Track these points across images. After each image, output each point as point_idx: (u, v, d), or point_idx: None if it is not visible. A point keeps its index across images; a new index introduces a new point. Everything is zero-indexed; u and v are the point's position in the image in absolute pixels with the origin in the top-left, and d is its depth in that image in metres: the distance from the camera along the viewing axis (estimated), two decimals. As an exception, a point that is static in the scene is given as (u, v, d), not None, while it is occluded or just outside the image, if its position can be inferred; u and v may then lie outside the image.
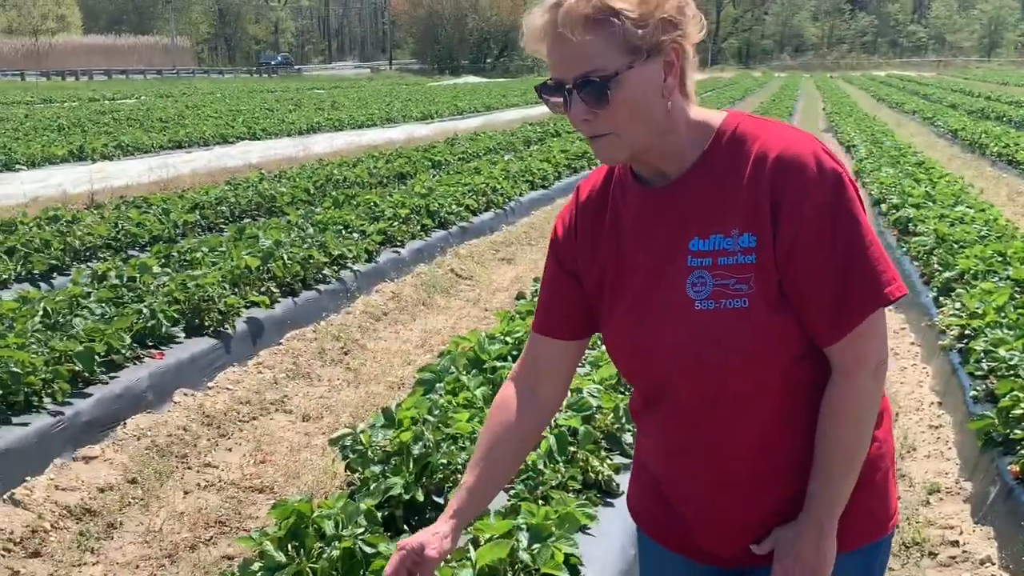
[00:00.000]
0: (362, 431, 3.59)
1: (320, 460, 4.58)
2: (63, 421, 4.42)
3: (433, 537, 1.63)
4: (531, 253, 9.65)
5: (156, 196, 10.17)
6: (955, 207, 8.73)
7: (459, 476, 2.93)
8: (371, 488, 3.16)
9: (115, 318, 5.25)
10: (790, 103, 31.42)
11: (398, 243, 8.61)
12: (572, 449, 3.44)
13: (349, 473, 3.70)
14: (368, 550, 2.64)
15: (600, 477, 3.41)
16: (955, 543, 3.73)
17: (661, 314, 1.56)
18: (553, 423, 3.51)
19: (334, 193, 10.65)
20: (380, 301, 7.41)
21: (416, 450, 3.28)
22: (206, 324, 5.75)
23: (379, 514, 2.95)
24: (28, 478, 4.11)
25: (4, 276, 6.84)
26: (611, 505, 3.34)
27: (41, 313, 5.22)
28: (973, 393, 4.64)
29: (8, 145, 16.46)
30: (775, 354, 1.51)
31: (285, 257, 6.82)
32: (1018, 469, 3.72)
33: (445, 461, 3.23)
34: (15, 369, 4.35)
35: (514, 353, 4.42)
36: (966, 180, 11.57)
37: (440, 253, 8.97)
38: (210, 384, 5.47)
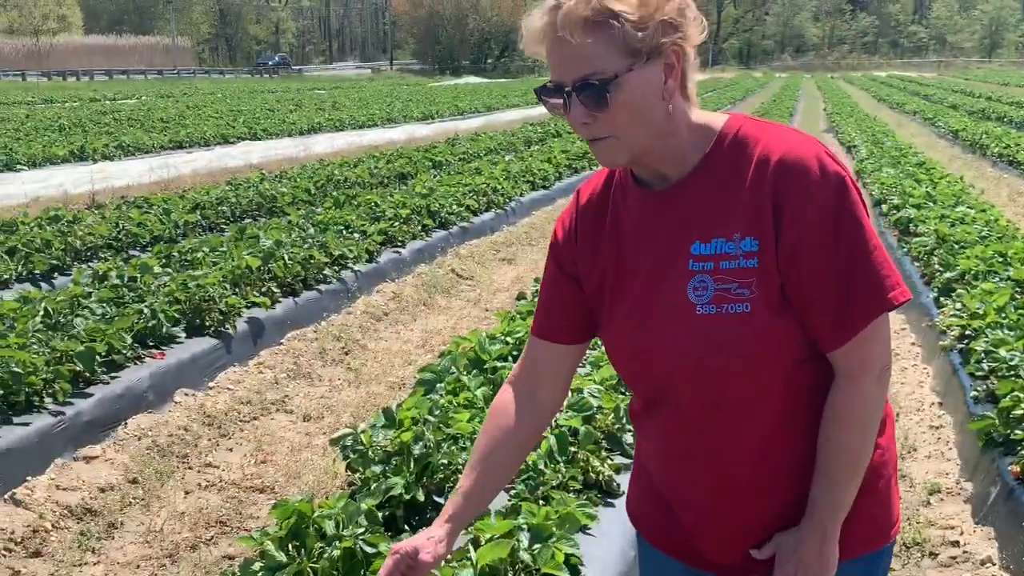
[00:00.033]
0: (363, 431, 3.59)
1: (321, 460, 4.58)
2: (64, 421, 4.42)
3: (428, 541, 1.61)
4: (532, 253, 9.65)
5: (157, 196, 10.17)
6: (956, 208, 8.73)
7: (460, 476, 2.92)
8: (372, 488, 3.16)
9: (116, 318, 5.25)
10: (791, 103, 31.42)
11: (399, 243, 8.61)
12: (573, 449, 3.45)
13: (350, 473, 3.71)
14: (369, 550, 2.65)
15: (601, 477, 3.41)
16: (956, 543, 3.73)
17: (662, 318, 1.55)
18: (554, 423, 3.51)
19: (335, 193, 10.65)
20: (381, 301, 7.41)
21: (417, 450, 3.28)
22: (207, 324, 5.75)
23: (380, 514, 2.95)
24: (29, 478, 4.11)
25: (5, 276, 6.84)
26: (612, 505, 3.34)
27: (42, 313, 5.22)
28: (974, 393, 4.64)
29: (9, 145, 16.47)
30: (777, 358, 1.50)
31: (286, 257, 6.82)
32: (1019, 469, 3.72)
33: (446, 461, 3.23)
34: (16, 369, 4.36)
35: (515, 353, 4.43)
36: (967, 181, 11.56)
37: (441, 253, 8.97)
38: (211, 384, 5.47)
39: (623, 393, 3.92)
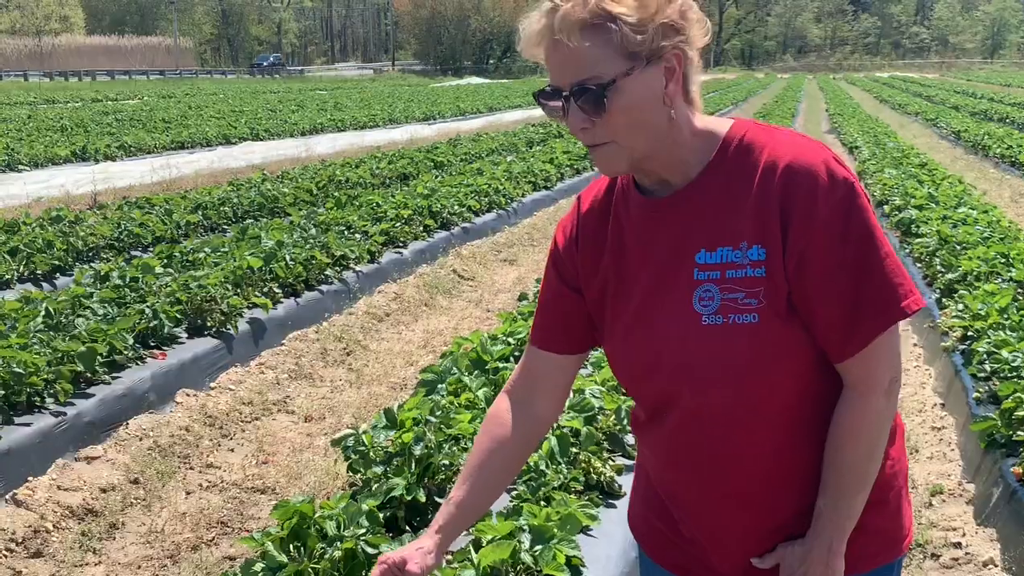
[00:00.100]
0: (364, 432, 3.59)
1: (322, 461, 4.58)
2: (65, 421, 4.42)
3: (416, 552, 1.57)
4: (533, 254, 9.65)
5: (159, 197, 10.17)
6: (958, 209, 8.72)
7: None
8: (373, 489, 3.16)
9: (117, 318, 5.26)
10: (793, 104, 31.40)
11: (400, 244, 8.62)
12: (574, 450, 3.44)
13: (351, 474, 3.70)
14: (370, 551, 2.65)
15: (602, 478, 3.41)
16: (958, 545, 3.73)
17: (666, 329, 1.51)
18: (555, 424, 3.51)
19: (337, 194, 10.65)
20: (382, 302, 7.41)
21: (418, 451, 3.28)
22: (208, 324, 5.75)
23: (381, 515, 2.95)
24: (30, 478, 4.11)
25: (7, 276, 6.85)
26: (613, 506, 3.33)
27: (43, 313, 5.22)
28: (976, 395, 4.64)
29: (11, 145, 16.49)
30: (786, 368, 1.46)
31: (287, 258, 6.82)
32: (1021, 471, 3.71)
33: (447, 462, 3.23)
34: (17, 369, 4.36)
35: (516, 354, 4.42)
36: (969, 182, 11.56)
37: (442, 254, 8.97)
38: (212, 384, 5.47)
39: (625, 394, 3.92)
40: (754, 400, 1.48)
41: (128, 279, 6.20)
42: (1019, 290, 5.75)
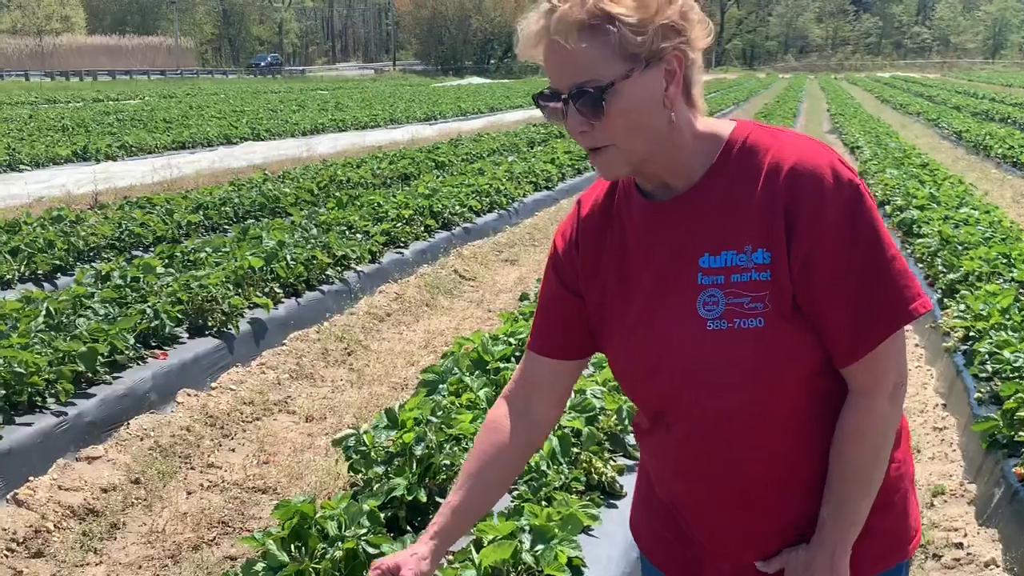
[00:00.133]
0: (365, 432, 3.59)
1: (323, 461, 4.57)
2: (66, 421, 4.42)
3: (410, 558, 1.56)
4: (534, 254, 9.65)
5: (160, 197, 10.18)
6: (959, 209, 8.72)
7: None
8: (374, 489, 3.16)
9: (119, 318, 5.26)
10: (794, 104, 31.41)
11: (401, 244, 8.61)
12: (575, 450, 3.44)
13: (352, 474, 3.70)
14: (371, 551, 2.64)
15: (603, 478, 3.40)
16: (959, 545, 3.72)
17: (669, 334, 1.48)
18: (554, 428, 3.50)
19: (338, 194, 10.65)
20: (383, 302, 7.41)
21: (419, 451, 3.28)
22: (209, 324, 5.75)
23: (382, 515, 2.95)
24: (31, 478, 4.11)
25: (8, 276, 6.85)
26: (614, 506, 3.33)
27: (44, 313, 5.22)
28: (977, 395, 4.63)
29: (12, 145, 16.50)
30: (793, 372, 1.44)
31: (289, 258, 6.82)
32: (1022, 471, 3.71)
33: (448, 462, 3.23)
34: (19, 369, 4.36)
35: (517, 354, 4.42)
36: (970, 182, 11.56)
37: (444, 254, 8.97)
38: (213, 384, 5.47)
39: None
40: (759, 403, 1.46)
41: (129, 279, 6.20)
42: (1021, 290, 5.74)
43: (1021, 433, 3.92)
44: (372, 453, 3.47)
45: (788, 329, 1.42)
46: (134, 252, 8.02)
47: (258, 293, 6.35)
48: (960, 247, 7.03)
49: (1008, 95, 35.42)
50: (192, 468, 4.57)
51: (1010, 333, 4.95)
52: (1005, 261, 6.41)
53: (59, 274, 7.23)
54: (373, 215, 8.96)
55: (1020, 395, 4.06)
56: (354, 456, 3.54)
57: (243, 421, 5.14)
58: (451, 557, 2.69)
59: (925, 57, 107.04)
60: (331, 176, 11.93)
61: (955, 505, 4.10)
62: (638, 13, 1.36)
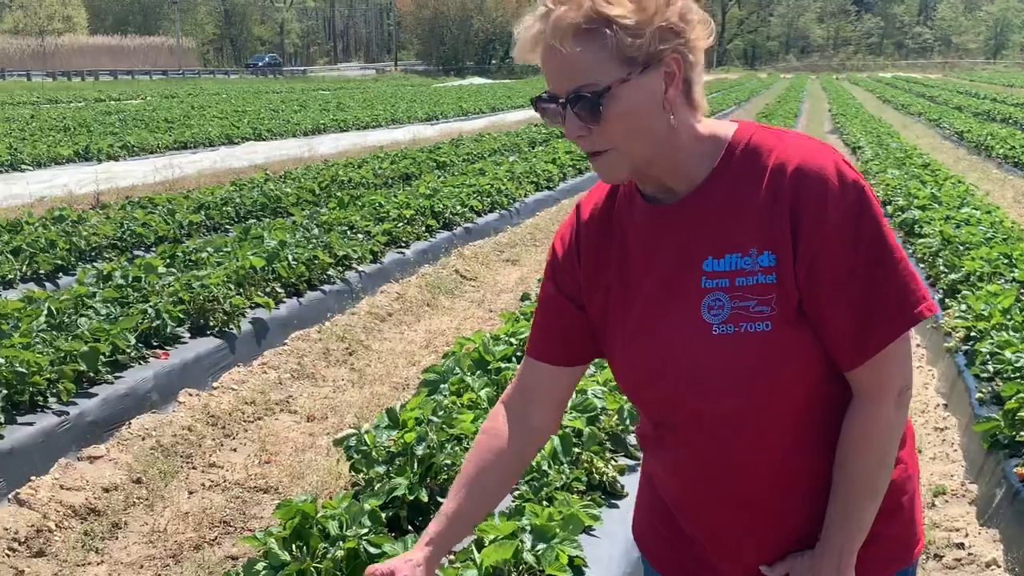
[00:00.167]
0: (366, 432, 3.59)
1: (325, 460, 4.58)
2: (68, 421, 4.42)
3: (405, 565, 1.52)
4: (535, 254, 9.66)
5: (161, 196, 10.18)
6: (961, 209, 8.72)
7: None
8: (375, 488, 3.16)
9: (120, 318, 5.26)
10: (796, 105, 31.40)
11: (403, 244, 8.62)
12: (577, 450, 3.44)
13: (353, 474, 3.70)
14: (372, 550, 2.65)
15: (605, 478, 3.41)
16: (961, 545, 3.72)
17: (674, 339, 1.47)
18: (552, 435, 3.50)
19: (339, 194, 10.66)
20: (385, 302, 7.41)
21: (420, 451, 3.28)
22: (211, 324, 5.75)
23: (383, 514, 2.95)
24: (33, 478, 4.11)
25: (10, 276, 6.85)
26: (615, 506, 3.33)
27: (46, 313, 5.23)
28: (979, 395, 4.63)
29: (14, 145, 16.51)
30: (799, 375, 1.43)
31: (290, 258, 6.83)
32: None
33: (449, 462, 3.23)
34: (20, 369, 4.36)
35: (518, 354, 4.42)
36: (972, 182, 11.55)
37: (445, 254, 8.98)
38: (215, 384, 5.47)
39: (627, 394, 3.91)
40: (764, 406, 1.45)
41: (131, 279, 6.21)
42: (1022, 291, 5.74)
43: (1022, 433, 3.91)
44: (373, 453, 3.47)
45: (794, 331, 1.41)
46: (136, 252, 8.03)
47: (259, 293, 6.35)
48: (961, 247, 7.03)
49: (1010, 95, 35.41)
50: (194, 468, 4.58)
51: (1011, 333, 4.94)
52: (1006, 261, 6.41)
53: (61, 274, 7.24)
54: (374, 215, 8.96)
55: (1021, 395, 4.06)
56: (355, 456, 3.54)
57: (244, 421, 5.15)
58: (452, 557, 2.69)
59: (927, 57, 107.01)
60: (333, 176, 11.93)
61: (956, 505, 4.10)
62: (635, 16, 1.34)
